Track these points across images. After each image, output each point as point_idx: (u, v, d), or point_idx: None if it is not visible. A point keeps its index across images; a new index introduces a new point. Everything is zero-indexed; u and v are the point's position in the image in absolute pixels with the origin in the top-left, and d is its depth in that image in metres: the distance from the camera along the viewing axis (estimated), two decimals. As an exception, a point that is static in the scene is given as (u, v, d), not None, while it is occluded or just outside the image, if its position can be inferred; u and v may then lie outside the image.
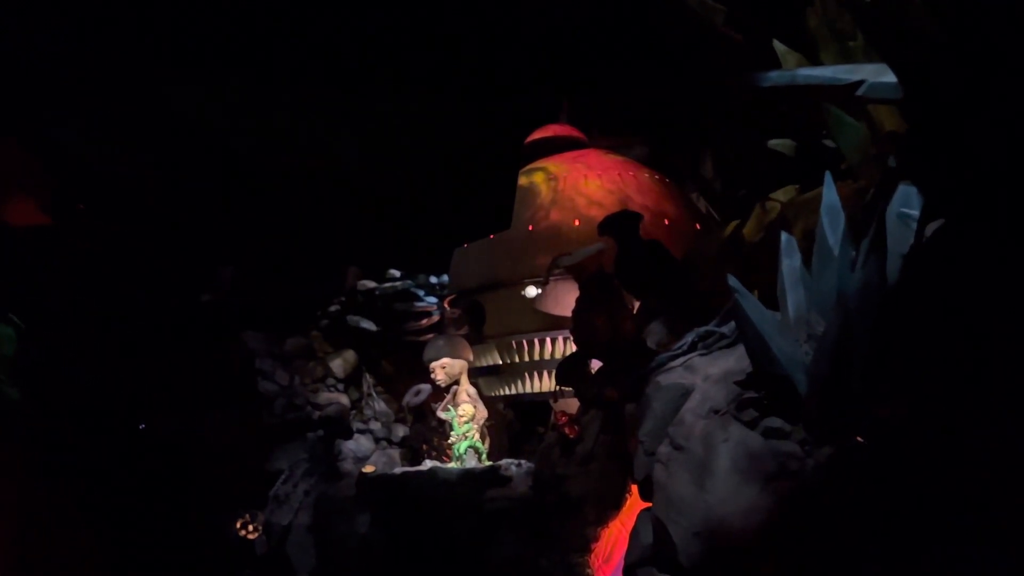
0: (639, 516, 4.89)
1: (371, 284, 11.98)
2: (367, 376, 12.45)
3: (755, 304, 4.14)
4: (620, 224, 7.58)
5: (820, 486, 3.88)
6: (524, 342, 9.52)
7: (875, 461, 3.83)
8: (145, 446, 10.38)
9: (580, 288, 7.33)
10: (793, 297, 4.40)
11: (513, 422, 10.98)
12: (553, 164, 10.09)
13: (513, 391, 9.87)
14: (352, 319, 12.21)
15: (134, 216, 10.34)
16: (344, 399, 12.29)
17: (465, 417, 8.65)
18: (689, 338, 5.12)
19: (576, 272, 7.31)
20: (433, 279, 11.85)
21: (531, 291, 9.45)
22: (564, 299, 9.38)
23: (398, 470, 8.93)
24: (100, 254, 9.71)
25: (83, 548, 9.88)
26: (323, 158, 10.94)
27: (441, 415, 9.04)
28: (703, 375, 4.74)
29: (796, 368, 4.09)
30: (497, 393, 10.01)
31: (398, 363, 12.62)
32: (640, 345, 7.00)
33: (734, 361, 4.65)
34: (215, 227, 9.71)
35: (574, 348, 8.98)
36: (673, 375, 4.89)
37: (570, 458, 6.40)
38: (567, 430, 6.54)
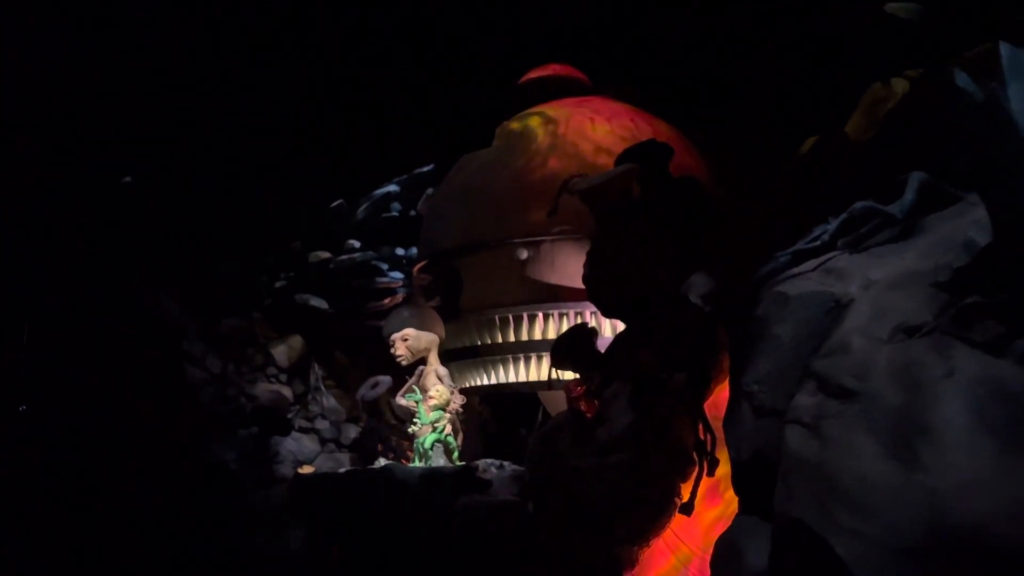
0: (736, 525, 2.81)
1: (325, 255, 9.78)
2: (316, 367, 10.21)
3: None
4: (648, 154, 5.58)
5: None
6: (510, 318, 7.40)
7: None
8: (29, 435, 8.05)
9: (599, 221, 5.30)
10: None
11: (489, 421, 8.83)
12: (552, 108, 8.09)
13: (492, 381, 7.70)
14: (301, 297, 9.99)
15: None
16: (286, 392, 10.06)
17: (436, 401, 6.47)
18: (829, 228, 3.08)
19: (595, 200, 5.26)
20: (399, 251, 9.68)
21: (521, 253, 7.36)
22: (563, 264, 7.33)
23: (343, 470, 6.74)
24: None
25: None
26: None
27: (401, 401, 6.86)
28: (861, 280, 2.72)
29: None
30: (471, 383, 7.83)
31: (353, 353, 10.43)
32: (680, 300, 4.98)
33: (914, 257, 2.63)
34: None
35: (575, 323, 6.96)
36: (806, 283, 2.85)
37: (586, 446, 4.29)
38: (583, 406, 4.43)
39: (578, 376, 4.70)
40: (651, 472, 4.02)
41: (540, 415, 8.17)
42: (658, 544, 4.10)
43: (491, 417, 8.67)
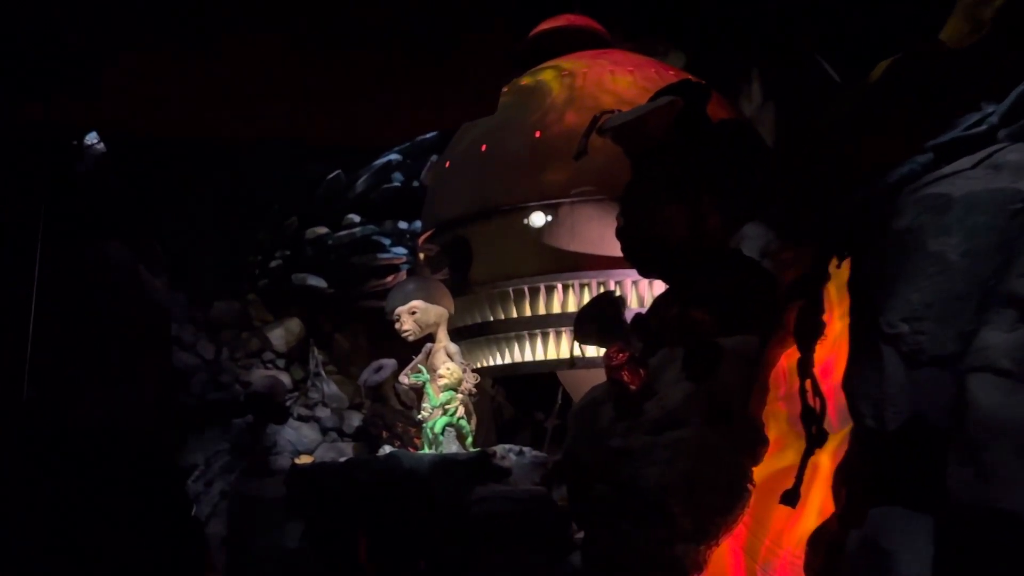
0: (878, 521, 2.05)
1: (323, 231, 9.00)
2: (315, 351, 9.48)
3: None
4: (686, 93, 4.80)
5: None
6: (525, 290, 6.63)
7: None
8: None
9: (635, 165, 4.51)
10: None
11: (502, 405, 8.07)
12: (567, 61, 7.31)
13: (506, 360, 6.93)
14: (298, 277, 9.22)
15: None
16: (284, 378, 9.31)
17: (447, 381, 5.69)
18: (989, 113, 2.31)
19: (631, 139, 4.47)
20: (402, 224, 8.91)
21: (537, 219, 6.59)
22: (584, 229, 6.56)
23: (344, 459, 5.98)
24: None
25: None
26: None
27: (405, 380, 6.09)
28: (1053, 172, 1.94)
29: None
30: (483, 364, 7.06)
31: (355, 335, 9.68)
32: (733, 254, 4.21)
33: None
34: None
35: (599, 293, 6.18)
36: (969, 182, 2.08)
37: (634, 423, 3.52)
38: (626, 376, 3.66)
39: (618, 342, 3.92)
40: (715, 452, 3.25)
41: (559, 398, 7.41)
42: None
43: (505, 401, 7.90)
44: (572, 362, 6.14)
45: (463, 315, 7.01)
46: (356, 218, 8.98)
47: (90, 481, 7.26)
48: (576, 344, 5.70)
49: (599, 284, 6.48)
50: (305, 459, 6.99)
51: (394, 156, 8.99)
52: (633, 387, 3.66)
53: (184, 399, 8.83)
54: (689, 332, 3.66)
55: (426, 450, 5.70)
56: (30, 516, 7.12)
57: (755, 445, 3.30)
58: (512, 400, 7.93)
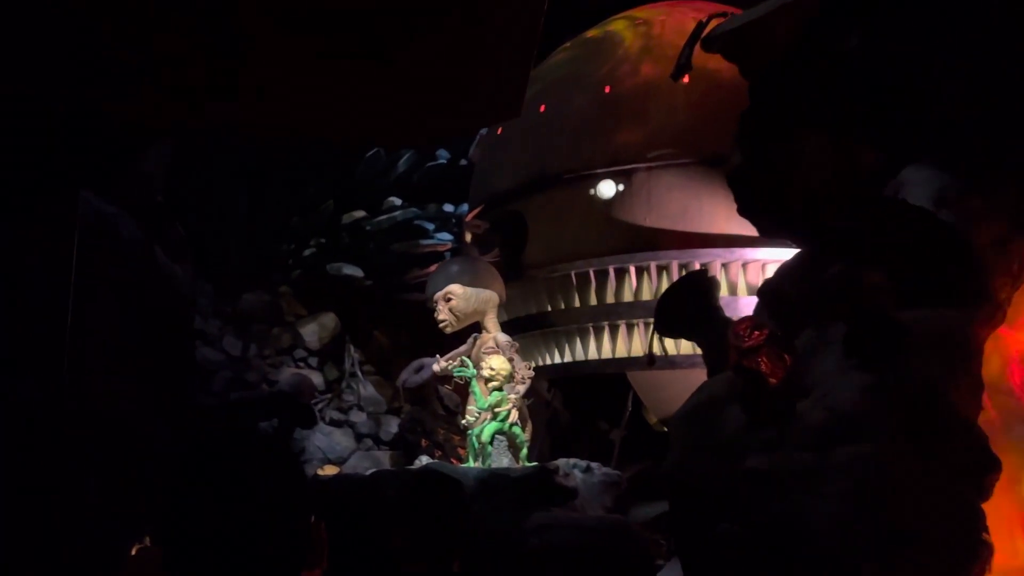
0: None
1: (361, 214, 7.96)
2: (351, 349, 8.45)
3: None
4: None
5: None
6: (590, 274, 5.51)
7: None
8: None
9: (754, 85, 3.31)
10: None
11: (560, 411, 6.87)
12: (640, 11, 6.18)
13: (566, 359, 5.80)
14: (334, 266, 8.21)
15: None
16: (316, 378, 8.28)
17: (495, 376, 4.50)
18: None
19: (748, 49, 3.27)
20: (448, 207, 7.83)
21: (606, 188, 5.45)
22: (663, 199, 5.41)
23: (371, 471, 4.84)
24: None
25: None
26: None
27: (441, 368, 4.94)
28: None
29: None
30: (539, 363, 5.90)
31: (395, 332, 8.64)
32: (898, 204, 2.97)
33: None
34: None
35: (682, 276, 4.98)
36: None
37: (782, 432, 2.31)
38: (764, 363, 2.46)
39: (747, 318, 2.71)
40: (923, 479, 2.02)
41: (629, 404, 6.20)
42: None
43: (562, 407, 6.71)
44: (650, 360, 4.94)
45: (515, 304, 5.90)
46: (397, 201, 7.96)
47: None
48: (656, 338, 4.53)
49: (681, 267, 5.32)
50: (330, 470, 5.90)
51: (440, 131, 7.95)
52: (773, 380, 2.44)
53: (202, 398, 7.88)
54: (861, 303, 2.43)
55: (471, 463, 4.53)
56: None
57: (982, 470, 2.06)
58: (571, 406, 6.74)
